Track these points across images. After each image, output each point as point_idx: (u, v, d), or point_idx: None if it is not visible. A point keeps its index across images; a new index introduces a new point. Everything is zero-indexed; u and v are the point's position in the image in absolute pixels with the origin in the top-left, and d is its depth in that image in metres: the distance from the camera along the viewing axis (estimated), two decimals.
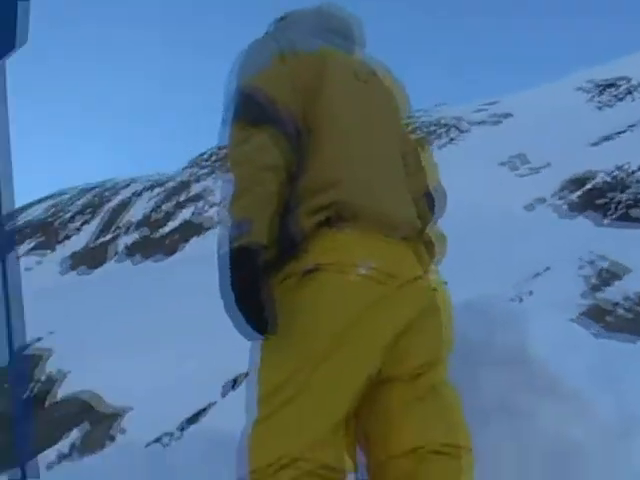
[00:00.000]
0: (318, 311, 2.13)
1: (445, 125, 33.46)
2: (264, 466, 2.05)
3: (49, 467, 11.40)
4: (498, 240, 15.99)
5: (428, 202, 2.58)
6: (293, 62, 2.30)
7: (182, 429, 12.08)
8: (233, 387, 13.12)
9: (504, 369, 2.72)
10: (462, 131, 33.47)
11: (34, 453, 3.23)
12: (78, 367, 15.91)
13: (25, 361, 3.41)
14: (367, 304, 2.14)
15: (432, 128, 32.79)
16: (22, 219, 35.95)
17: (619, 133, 27.40)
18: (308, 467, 2.03)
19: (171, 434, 11.89)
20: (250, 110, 2.23)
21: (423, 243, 2.44)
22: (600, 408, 2.69)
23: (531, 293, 11.30)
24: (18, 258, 3.34)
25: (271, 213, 2.14)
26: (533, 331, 2.83)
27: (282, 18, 2.61)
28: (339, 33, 2.55)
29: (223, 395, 13.08)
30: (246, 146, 2.17)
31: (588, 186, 23.18)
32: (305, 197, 2.21)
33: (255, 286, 2.05)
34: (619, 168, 23.59)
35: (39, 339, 16.28)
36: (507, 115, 34.33)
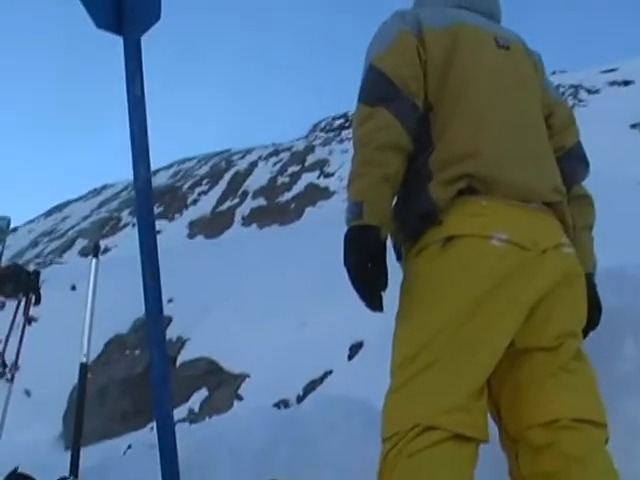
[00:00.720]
0: (459, 276, 2.13)
1: (570, 88, 32.64)
2: (399, 433, 2.05)
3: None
4: (627, 204, 15.42)
5: (574, 159, 2.54)
6: (419, 39, 2.31)
7: (303, 395, 12.18)
8: (354, 355, 13.16)
9: None
10: (590, 92, 32.55)
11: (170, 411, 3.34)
12: (199, 332, 16.26)
13: (162, 321, 3.52)
14: (508, 270, 2.12)
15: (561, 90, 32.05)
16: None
17: None
18: (443, 435, 2.01)
19: (290, 400, 12.00)
20: (373, 89, 2.28)
21: (569, 205, 2.40)
22: None
23: None
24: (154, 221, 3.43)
25: (386, 193, 2.19)
26: None
27: None
28: (476, 4, 2.54)
29: (348, 359, 13.12)
30: (367, 126, 2.22)
31: None
32: (439, 169, 2.23)
33: (365, 267, 2.10)
34: None
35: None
36: (629, 82, 33.12)
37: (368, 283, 2.11)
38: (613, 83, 33.62)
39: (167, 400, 3.33)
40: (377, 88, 2.25)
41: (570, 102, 30.97)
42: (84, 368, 3.36)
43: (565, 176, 2.43)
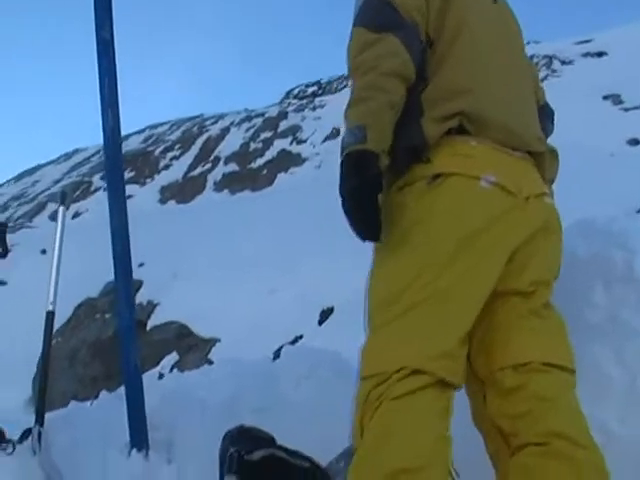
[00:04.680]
0: (445, 216, 2.10)
1: (545, 57, 32.69)
2: (383, 373, 2.00)
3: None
4: (600, 173, 15.59)
5: (545, 115, 2.56)
6: None
7: (273, 359, 12.22)
8: (324, 320, 13.21)
9: (617, 286, 2.65)
10: (564, 63, 32.64)
11: (138, 373, 3.34)
12: (170, 297, 16.26)
13: (131, 286, 3.49)
14: (494, 214, 2.10)
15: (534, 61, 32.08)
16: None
17: None
18: (429, 380, 1.98)
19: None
20: (377, 16, 2.21)
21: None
22: None
23: (633, 226, 10.98)
24: (124, 185, 3.39)
25: (390, 121, 2.12)
26: None
27: None
28: None
29: (319, 324, 13.18)
30: (372, 51, 2.14)
31: None
32: (431, 105, 2.19)
33: (365, 194, 2.03)
34: None
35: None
36: (602, 53, 33.21)
37: (366, 211, 2.04)
38: (587, 54, 33.71)
39: (134, 351, 3.33)
40: (382, 15, 2.18)
41: (544, 73, 31.05)
42: (51, 315, 3.32)
43: None
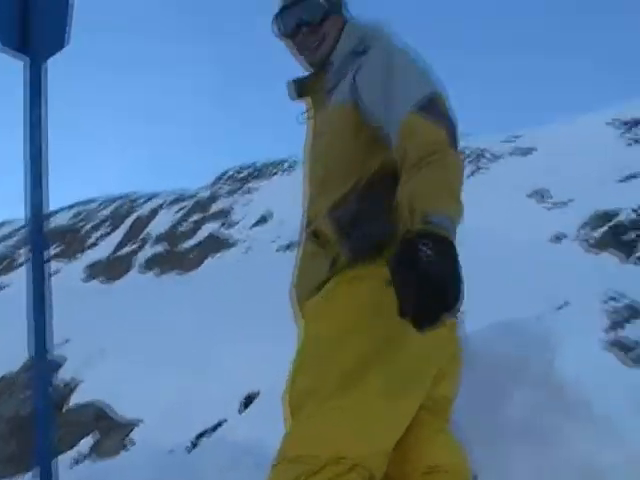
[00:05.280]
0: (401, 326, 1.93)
1: (472, 154, 33.43)
2: (317, 458, 1.90)
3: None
4: (524, 270, 15.89)
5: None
6: None
7: (194, 445, 12.02)
8: (246, 406, 13.08)
9: (535, 389, 2.70)
10: (491, 159, 33.42)
11: (52, 457, 3.22)
12: (93, 375, 15.99)
13: (48, 366, 3.37)
14: (442, 334, 2.11)
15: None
16: (49, 224, 36.48)
17: None
18: (364, 475, 1.92)
19: (181, 448, 11.83)
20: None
21: None
22: (630, 434, 2.65)
23: (556, 322, 11.26)
24: (49, 261, 3.34)
25: None
26: (565, 352, 2.81)
27: None
28: None
29: (244, 407, 13.04)
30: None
31: (613, 222, 22.98)
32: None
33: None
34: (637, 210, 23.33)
35: (57, 345, 16.43)
36: (531, 149, 34.19)
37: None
38: (515, 151, 34.51)
39: (48, 434, 3.21)
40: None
41: (471, 168, 31.74)
42: None
43: None
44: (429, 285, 1.74)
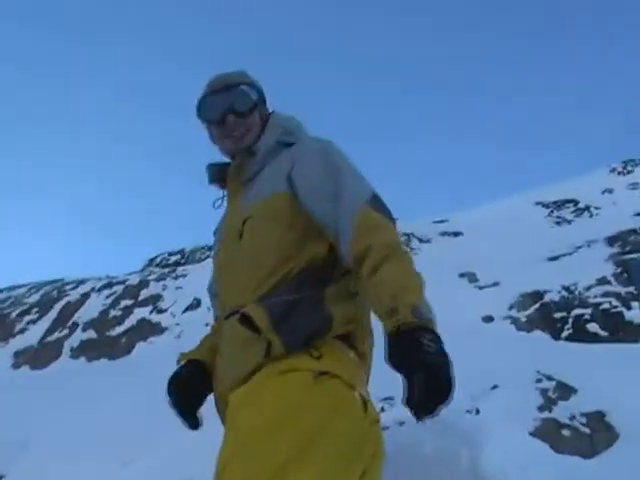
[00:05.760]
0: (341, 417, 2.09)
1: (404, 235, 33.97)
2: None
3: None
4: (457, 351, 15.98)
5: None
6: None
7: None
8: None
9: None
10: (422, 240, 33.98)
11: None
12: (17, 469, 15.45)
13: None
14: (365, 427, 2.15)
15: None
16: None
17: (572, 252, 27.74)
18: None
19: None
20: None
21: None
22: None
23: (487, 405, 11.28)
24: None
25: None
26: (491, 445, 2.80)
27: None
28: None
29: None
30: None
31: (543, 301, 23.39)
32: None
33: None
34: (566, 288, 23.81)
35: None
36: (457, 233, 34.94)
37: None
38: (444, 233, 35.30)
39: None
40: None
41: None
42: None
43: None
44: (436, 377, 1.85)
